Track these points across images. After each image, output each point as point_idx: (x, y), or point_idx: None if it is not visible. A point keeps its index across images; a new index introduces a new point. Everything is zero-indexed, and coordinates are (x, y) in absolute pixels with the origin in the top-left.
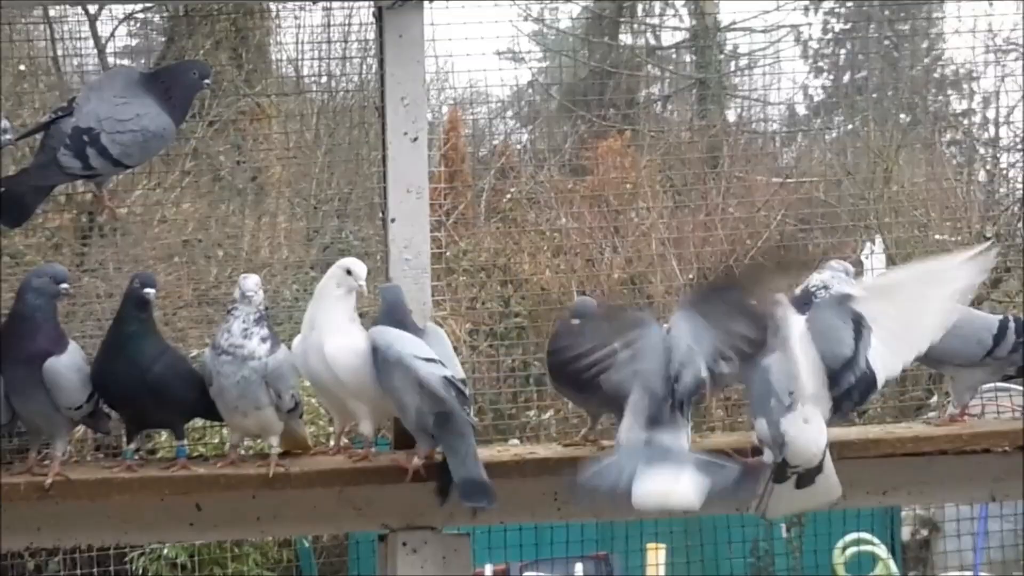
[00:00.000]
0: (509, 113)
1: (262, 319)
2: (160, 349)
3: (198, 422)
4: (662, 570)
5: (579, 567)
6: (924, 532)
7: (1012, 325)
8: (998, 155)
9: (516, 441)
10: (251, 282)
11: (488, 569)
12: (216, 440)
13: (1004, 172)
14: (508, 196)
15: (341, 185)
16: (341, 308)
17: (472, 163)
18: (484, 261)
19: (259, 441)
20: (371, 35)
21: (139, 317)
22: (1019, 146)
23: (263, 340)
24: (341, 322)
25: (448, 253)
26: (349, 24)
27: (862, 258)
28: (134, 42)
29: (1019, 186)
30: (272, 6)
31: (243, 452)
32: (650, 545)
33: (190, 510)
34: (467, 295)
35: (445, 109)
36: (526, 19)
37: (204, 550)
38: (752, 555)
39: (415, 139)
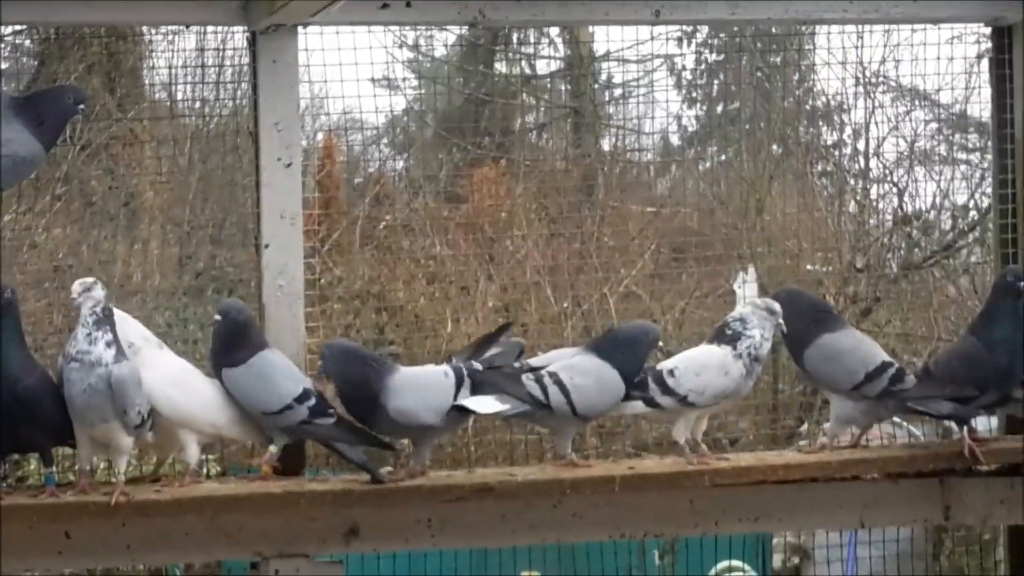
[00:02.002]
0: (384, 140)
1: (103, 322)
2: (31, 364)
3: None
4: None
5: None
6: (795, 559)
7: (891, 371)
8: (868, 187)
9: (389, 468)
10: (75, 286)
11: None
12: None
13: (874, 203)
14: (383, 223)
15: (215, 211)
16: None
17: (347, 190)
18: (359, 288)
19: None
20: (246, 60)
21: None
22: (889, 178)
23: (108, 345)
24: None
25: (323, 280)
26: (223, 49)
27: (735, 287)
28: (4, 65)
29: (888, 217)
30: (145, 30)
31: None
32: (524, 572)
33: (59, 538)
34: (341, 322)
35: (320, 136)
36: (401, 47)
37: None
38: None
39: (289, 165)
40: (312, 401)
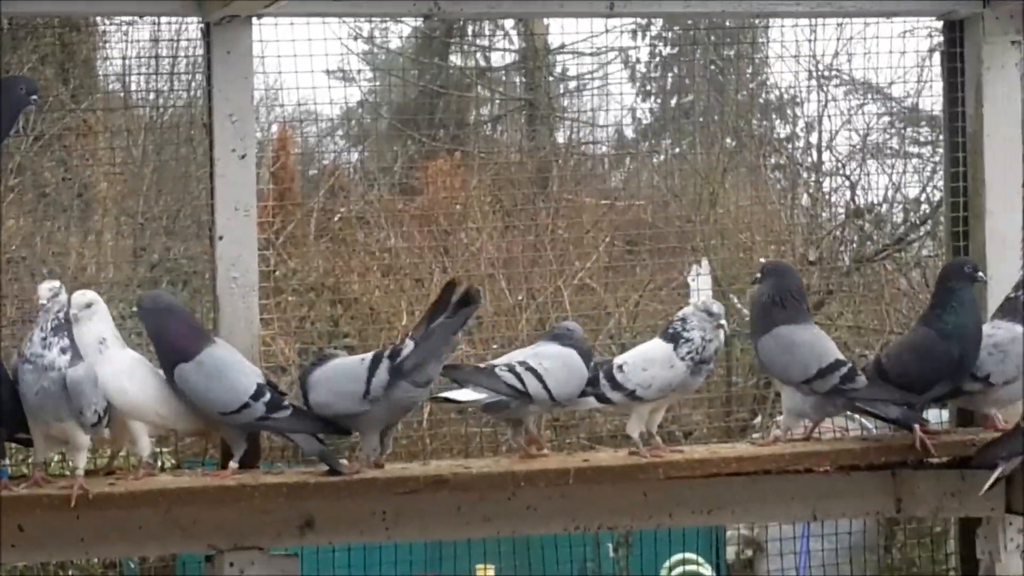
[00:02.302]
0: (339, 132)
1: (61, 328)
2: None
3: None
4: None
5: None
6: (748, 552)
7: (843, 370)
8: (821, 180)
9: (344, 462)
10: (43, 289)
11: None
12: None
13: (827, 197)
14: (338, 216)
15: (169, 203)
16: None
17: (302, 182)
18: (313, 281)
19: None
20: (200, 51)
21: None
22: (841, 171)
23: (63, 351)
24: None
25: (277, 272)
26: (178, 40)
27: (689, 280)
28: None
29: (841, 211)
30: (99, 21)
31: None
32: (479, 566)
33: (12, 531)
34: (296, 315)
35: (275, 127)
36: (356, 39)
37: (28, 572)
38: (580, 574)
39: (243, 156)
40: (268, 396)
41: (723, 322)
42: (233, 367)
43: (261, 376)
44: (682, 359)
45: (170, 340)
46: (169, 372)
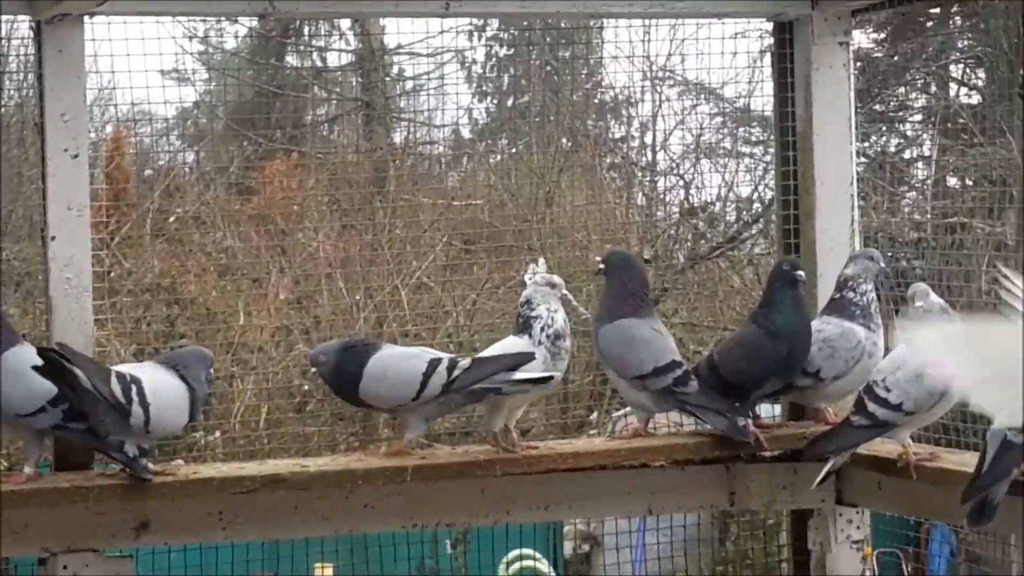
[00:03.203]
0: (175, 133)
1: None
2: None
3: None
4: None
5: None
6: (585, 547)
7: (677, 372)
8: (655, 179)
9: (180, 462)
10: None
11: None
12: None
13: (661, 196)
14: (174, 216)
15: (2, 204)
16: None
17: (137, 183)
18: (149, 281)
19: None
20: (31, 50)
21: None
22: (676, 171)
23: None
24: None
25: (112, 273)
26: (9, 39)
27: (526, 279)
28: None
29: (675, 210)
30: None
31: None
32: (317, 565)
33: None
34: (132, 316)
35: (109, 128)
36: (191, 39)
37: None
38: (419, 572)
39: (76, 156)
40: (67, 404)
41: (565, 291)
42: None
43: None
44: (540, 343)
45: None
46: None
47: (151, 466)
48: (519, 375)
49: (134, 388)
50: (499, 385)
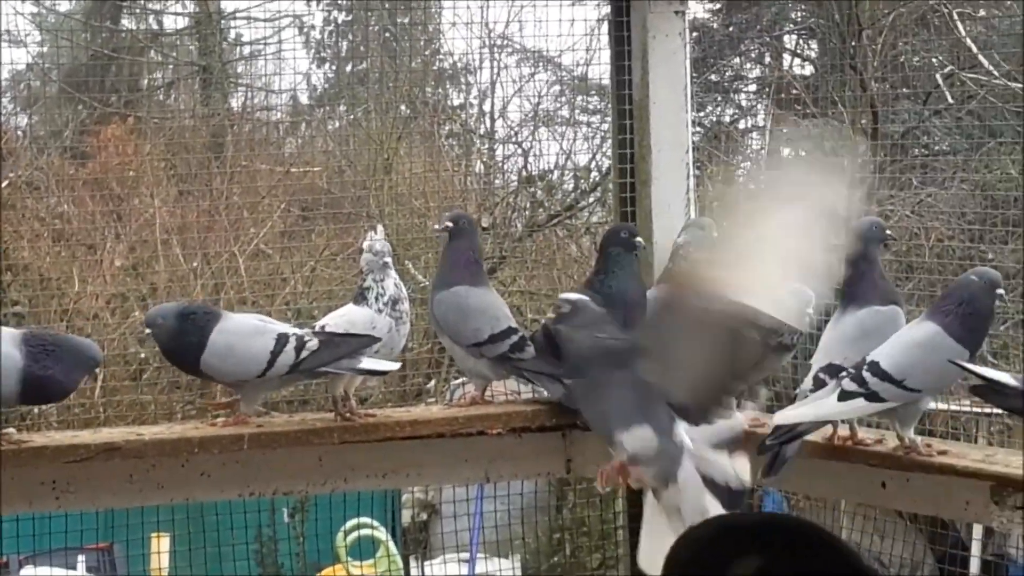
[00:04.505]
0: (7, 97)
1: None
2: None
3: None
4: (166, 559)
5: (81, 559)
6: (423, 515)
7: (513, 338)
8: (494, 147)
9: (12, 430)
10: None
11: None
12: None
13: (500, 164)
14: (7, 181)
15: None
16: None
17: None
18: None
19: None
20: None
21: None
22: (514, 139)
23: None
24: None
25: None
26: None
27: (363, 247)
28: None
29: (514, 178)
30: None
31: None
32: (153, 535)
33: None
34: None
35: None
36: (23, 0)
37: None
38: (256, 541)
39: None
40: None
41: (388, 259)
42: None
43: None
44: (380, 311)
45: None
46: None
47: None
48: (365, 364)
49: None
50: (343, 371)
